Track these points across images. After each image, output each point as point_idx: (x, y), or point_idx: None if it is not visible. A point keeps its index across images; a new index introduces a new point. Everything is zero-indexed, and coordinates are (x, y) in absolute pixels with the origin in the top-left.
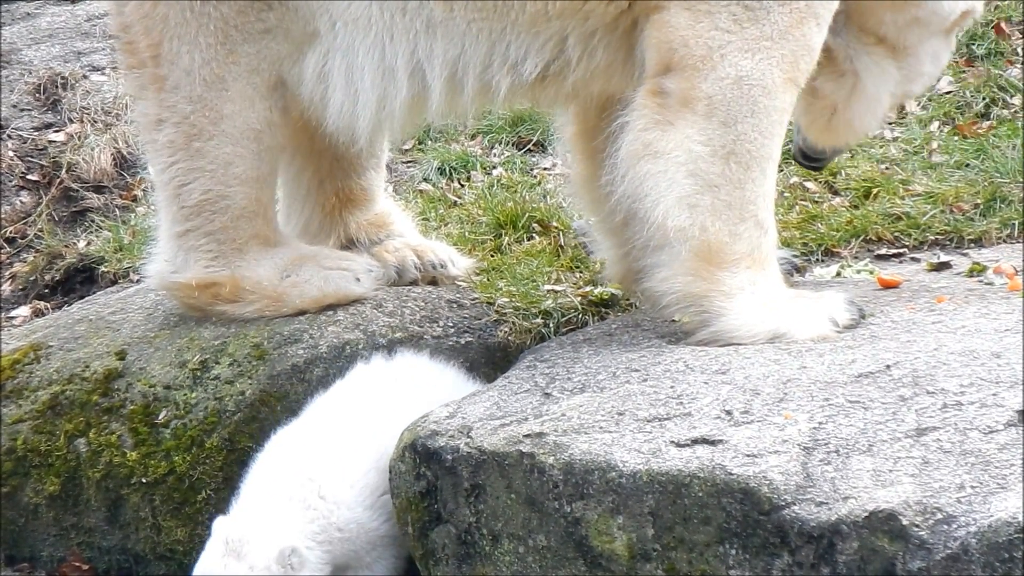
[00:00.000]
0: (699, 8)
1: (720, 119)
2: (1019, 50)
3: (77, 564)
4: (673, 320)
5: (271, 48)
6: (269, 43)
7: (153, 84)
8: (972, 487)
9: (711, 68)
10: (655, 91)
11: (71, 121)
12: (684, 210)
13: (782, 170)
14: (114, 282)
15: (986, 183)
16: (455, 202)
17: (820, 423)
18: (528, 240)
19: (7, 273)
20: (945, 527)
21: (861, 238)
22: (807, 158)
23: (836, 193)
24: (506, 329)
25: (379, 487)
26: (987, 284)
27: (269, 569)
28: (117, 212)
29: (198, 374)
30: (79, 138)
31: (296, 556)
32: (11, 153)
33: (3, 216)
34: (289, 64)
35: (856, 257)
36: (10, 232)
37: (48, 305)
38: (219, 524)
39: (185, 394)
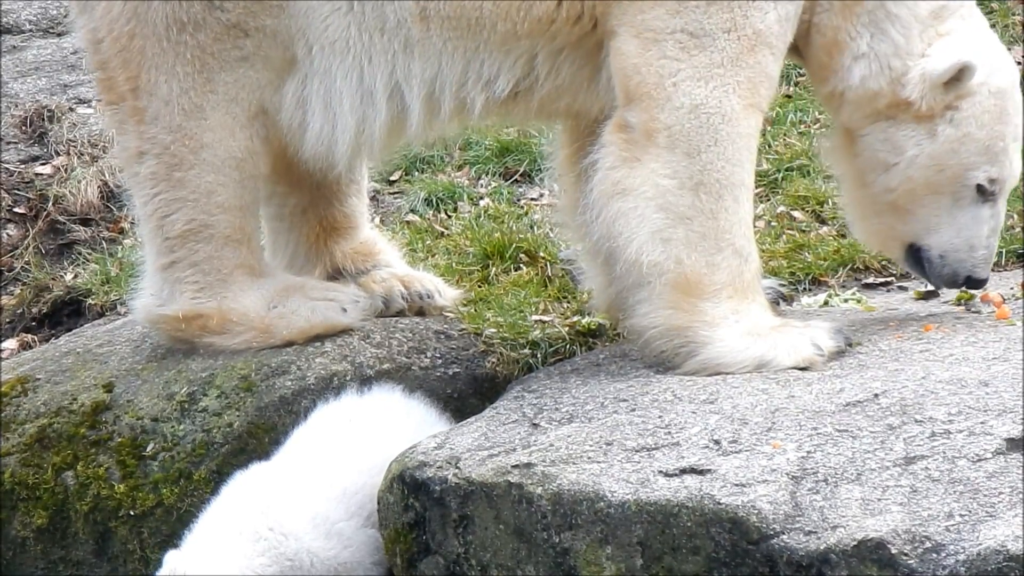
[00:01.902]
0: (646, 35)
1: (683, 150)
2: None
3: None
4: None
5: (249, 76)
6: (247, 71)
7: (133, 117)
8: (961, 515)
9: (666, 98)
10: (621, 125)
11: (57, 154)
12: (658, 245)
13: (768, 199)
14: (101, 314)
15: None
16: (442, 233)
17: (808, 452)
18: (515, 271)
19: None
20: (934, 556)
21: (849, 267)
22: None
23: (823, 222)
24: (494, 360)
25: (331, 517)
26: (974, 312)
27: None
28: (104, 244)
29: (186, 406)
30: (66, 171)
31: None
32: None
33: None
34: (270, 92)
35: (844, 286)
36: None
37: (35, 338)
38: (170, 558)
39: (173, 426)
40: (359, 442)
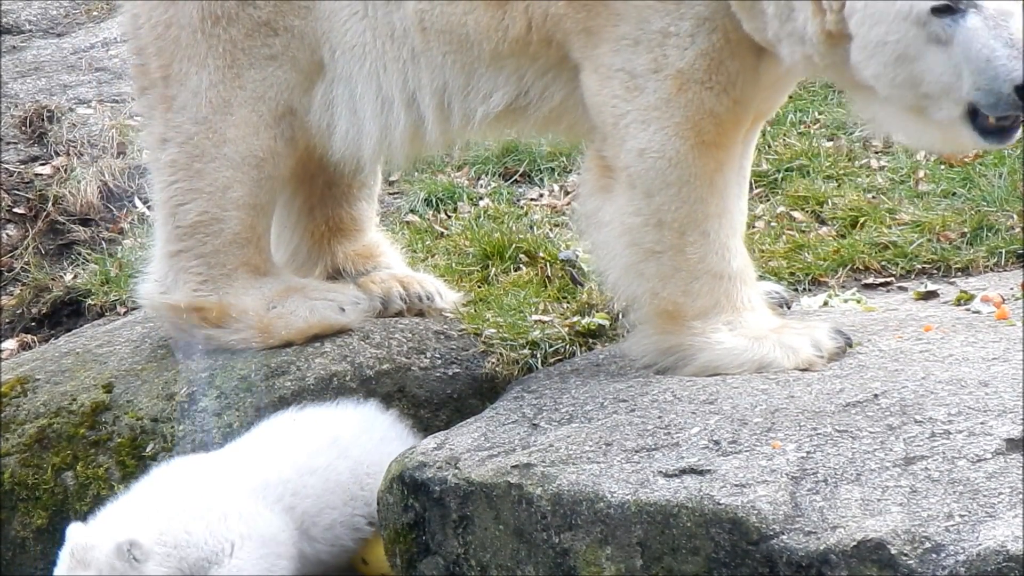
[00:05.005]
0: (601, 71)
1: (641, 190)
2: None
3: None
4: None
5: (277, 76)
6: (276, 70)
7: (162, 104)
8: (961, 516)
9: (621, 140)
10: (598, 154)
11: (57, 154)
12: (632, 279)
13: (768, 199)
14: (101, 315)
15: (973, 212)
16: (442, 233)
17: (808, 452)
18: (515, 271)
19: None
20: (934, 556)
21: (848, 267)
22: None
23: (823, 222)
24: (493, 360)
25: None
26: (974, 313)
27: (113, 568)
28: (103, 245)
29: (185, 407)
30: (65, 171)
31: (137, 548)
32: None
33: None
34: (299, 93)
35: (843, 286)
36: None
37: (35, 338)
38: (71, 531)
39: (172, 427)
40: (278, 455)
